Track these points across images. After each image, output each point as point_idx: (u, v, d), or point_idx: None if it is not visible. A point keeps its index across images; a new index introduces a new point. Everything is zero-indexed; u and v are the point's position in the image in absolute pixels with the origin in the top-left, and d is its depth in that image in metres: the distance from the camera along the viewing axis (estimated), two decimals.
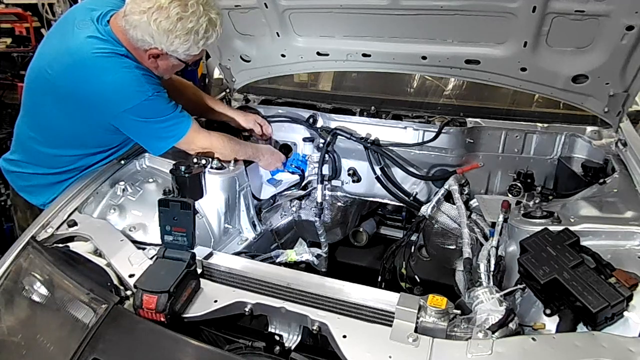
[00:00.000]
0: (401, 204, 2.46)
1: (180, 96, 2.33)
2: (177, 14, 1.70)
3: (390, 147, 2.33)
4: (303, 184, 2.50)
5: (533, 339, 1.23)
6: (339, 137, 2.37)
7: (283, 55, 2.45)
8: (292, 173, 2.48)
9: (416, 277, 2.33)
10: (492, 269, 1.76)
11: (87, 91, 1.79)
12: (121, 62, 1.79)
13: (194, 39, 1.76)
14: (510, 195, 2.15)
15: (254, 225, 2.25)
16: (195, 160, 2.02)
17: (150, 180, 2.02)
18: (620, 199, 1.70)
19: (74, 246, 1.69)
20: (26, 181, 2.13)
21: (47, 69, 1.84)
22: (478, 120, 2.30)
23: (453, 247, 2.27)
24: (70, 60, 1.79)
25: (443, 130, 2.22)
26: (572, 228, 1.50)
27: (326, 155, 2.38)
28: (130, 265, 1.57)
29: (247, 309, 1.43)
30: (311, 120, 2.44)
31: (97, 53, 1.76)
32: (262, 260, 1.94)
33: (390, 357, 1.23)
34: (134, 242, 1.70)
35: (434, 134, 2.23)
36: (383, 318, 1.38)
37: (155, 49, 1.79)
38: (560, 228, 1.51)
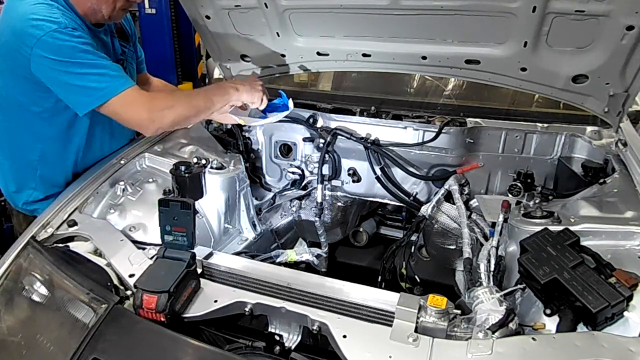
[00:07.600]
0: (401, 204, 2.46)
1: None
2: None
3: (390, 147, 2.32)
4: (303, 183, 2.50)
5: (533, 339, 1.23)
6: (339, 137, 2.36)
7: (283, 55, 2.45)
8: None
9: (416, 277, 2.33)
10: (492, 269, 1.76)
11: (4, 31, 1.73)
12: None
13: None
14: (510, 195, 2.15)
15: (254, 225, 2.25)
16: (195, 160, 2.02)
17: (150, 180, 2.02)
18: (620, 199, 1.70)
19: (74, 246, 1.69)
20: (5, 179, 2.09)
21: None
22: (478, 120, 2.30)
23: (453, 247, 2.27)
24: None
25: (443, 130, 2.22)
26: (572, 228, 1.50)
27: (326, 155, 2.38)
28: (130, 265, 1.57)
29: (247, 309, 1.43)
30: (311, 120, 2.44)
31: None
32: (262, 260, 1.95)
33: (390, 357, 1.23)
34: (134, 242, 1.70)
35: (434, 134, 2.23)
36: (383, 318, 1.37)
37: None
38: (560, 228, 1.51)
